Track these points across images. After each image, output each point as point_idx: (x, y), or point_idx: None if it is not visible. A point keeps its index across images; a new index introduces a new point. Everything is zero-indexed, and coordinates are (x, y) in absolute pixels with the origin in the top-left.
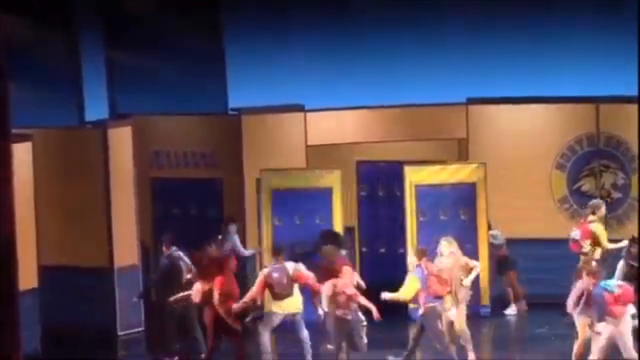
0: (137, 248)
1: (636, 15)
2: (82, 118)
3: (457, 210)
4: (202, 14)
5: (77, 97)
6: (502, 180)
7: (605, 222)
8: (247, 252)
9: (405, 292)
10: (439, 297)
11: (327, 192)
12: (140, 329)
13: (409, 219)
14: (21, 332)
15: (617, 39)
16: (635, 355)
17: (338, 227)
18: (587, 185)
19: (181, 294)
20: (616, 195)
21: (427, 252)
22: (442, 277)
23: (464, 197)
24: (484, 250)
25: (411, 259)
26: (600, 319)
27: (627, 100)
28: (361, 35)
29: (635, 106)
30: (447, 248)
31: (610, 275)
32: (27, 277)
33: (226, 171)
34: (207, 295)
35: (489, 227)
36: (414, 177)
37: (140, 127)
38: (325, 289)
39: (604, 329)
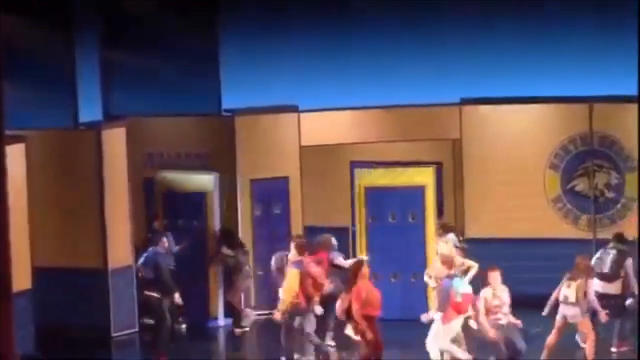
0: (131, 249)
1: (633, 14)
2: (76, 119)
3: (406, 213)
4: (196, 15)
5: (72, 99)
6: (495, 180)
7: (595, 221)
8: (175, 249)
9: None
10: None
11: (203, 195)
12: (134, 329)
13: (358, 222)
14: (15, 332)
15: (611, 39)
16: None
17: (212, 230)
18: (580, 184)
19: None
20: (610, 194)
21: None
22: (317, 281)
23: (413, 199)
24: (431, 254)
25: (292, 253)
26: (440, 308)
27: (621, 100)
28: (355, 36)
29: (629, 105)
30: (445, 249)
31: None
32: (21, 278)
33: (220, 172)
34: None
35: (448, 231)
36: (364, 179)
37: (134, 128)
38: (483, 301)
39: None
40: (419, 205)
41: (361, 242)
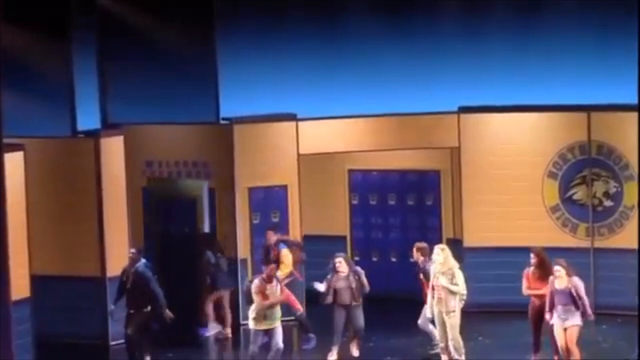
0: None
1: (632, 23)
2: (74, 128)
3: (183, 223)
4: (194, 24)
5: (70, 107)
6: (494, 189)
7: (594, 229)
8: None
9: None
10: None
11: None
12: None
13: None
14: (13, 341)
15: (609, 48)
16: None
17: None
18: (579, 193)
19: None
20: (608, 203)
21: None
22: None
23: (188, 211)
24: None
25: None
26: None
27: (619, 108)
28: (353, 44)
29: (628, 114)
30: (440, 255)
31: None
32: (20, 287)
33: (218, 180)
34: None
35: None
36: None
37: (132, 136)
38: None
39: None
40: (193, 216)
41: None
